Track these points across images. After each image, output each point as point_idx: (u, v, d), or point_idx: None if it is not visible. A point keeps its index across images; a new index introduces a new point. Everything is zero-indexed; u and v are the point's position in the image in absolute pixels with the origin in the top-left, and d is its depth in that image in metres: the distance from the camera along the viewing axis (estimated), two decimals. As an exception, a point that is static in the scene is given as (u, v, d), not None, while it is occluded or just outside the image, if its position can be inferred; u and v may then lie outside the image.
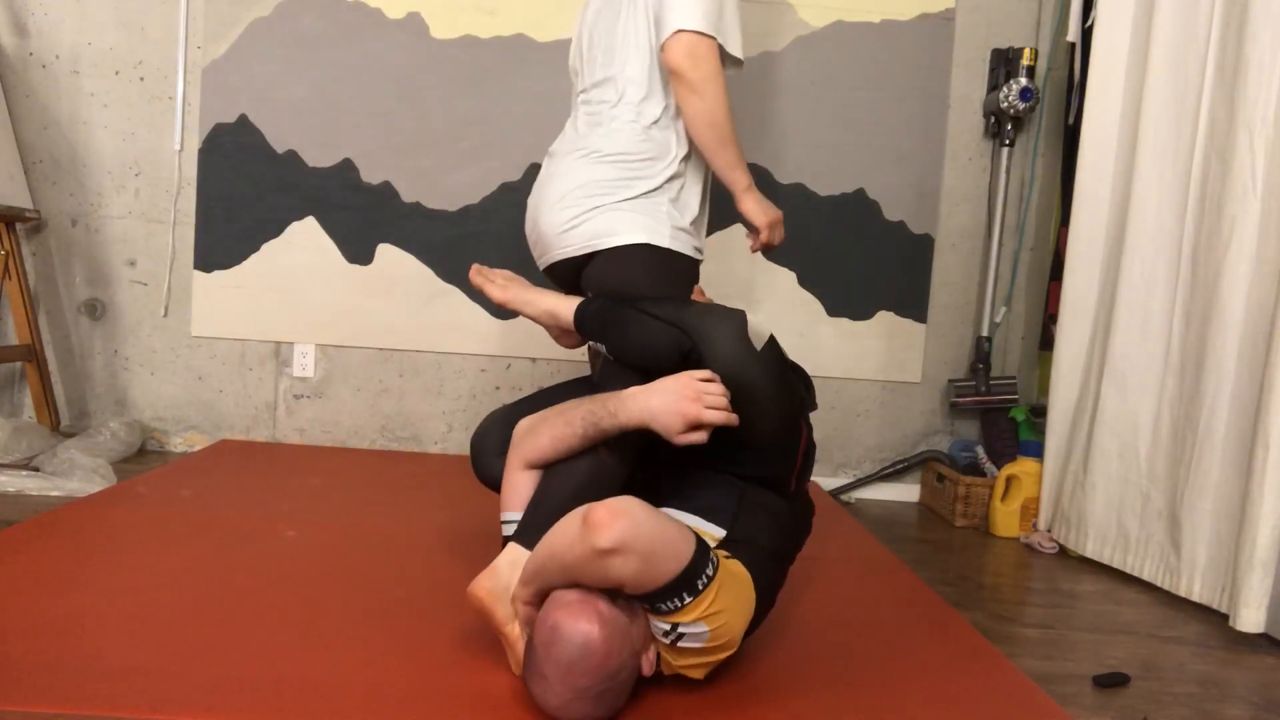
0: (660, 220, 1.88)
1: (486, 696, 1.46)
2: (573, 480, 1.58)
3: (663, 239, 1.87)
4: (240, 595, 1.81)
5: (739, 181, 1.98)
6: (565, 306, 1.84)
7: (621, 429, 1.54)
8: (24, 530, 2.12)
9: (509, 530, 1.61)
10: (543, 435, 1.60)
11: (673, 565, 1.29)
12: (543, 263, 2.04)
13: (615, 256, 1.87)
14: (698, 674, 1.47)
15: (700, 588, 1.32)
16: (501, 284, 1.91)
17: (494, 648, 1.61)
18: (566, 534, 1.32)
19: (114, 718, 1.31)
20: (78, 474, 2.59)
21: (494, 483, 1.81)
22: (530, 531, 1.54)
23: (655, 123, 1.91)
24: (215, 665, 1.49)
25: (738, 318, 1.58)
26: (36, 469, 2.67)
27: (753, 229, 2.12)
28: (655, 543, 1.28)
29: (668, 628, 1.36)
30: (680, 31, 1.78)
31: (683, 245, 1.91)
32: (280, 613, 1.74)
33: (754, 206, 2.05)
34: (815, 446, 1.78)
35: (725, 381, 1.51)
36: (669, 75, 1.85)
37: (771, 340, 1.61)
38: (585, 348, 2.03)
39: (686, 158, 1.94)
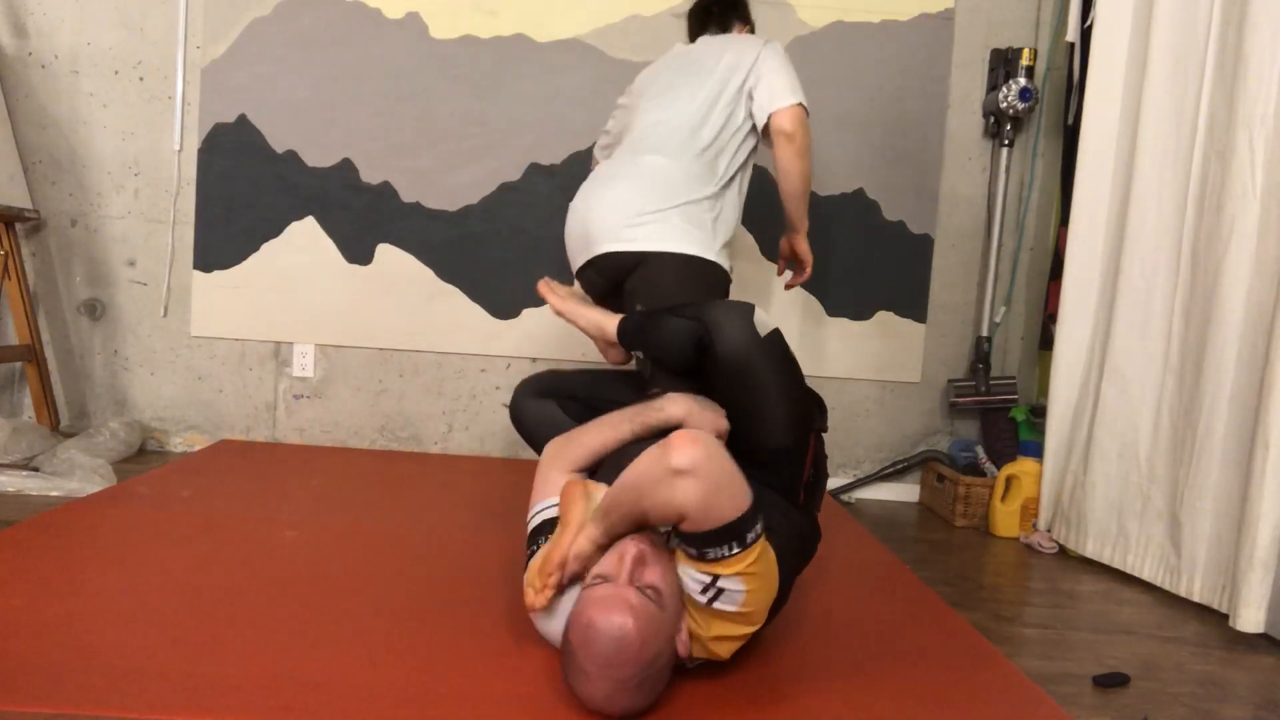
0: (708, 234, 2.15)
1: (486, 696, 1.46)
2: None
3: (711, 252, 2.14)
4: (240, 595, 1.81)
5: (805, 224, 2.46)
6: (610, 322, 1.98)
7: (666, 423, 1.72)
8: (23, 530, 2.12)
9: (536, 522, 1.67)
10: (590, 440, 1.78)
11: (731, 508, 1.35)
12: (586, 258, 2.19)
13: (668, 262, 2.09)
14: (725, 651, 1.49)
15: (749, 541, 1.37)
16: (563, 295, 2.07)
17: (494, 648, 1.62)
18: (646, 458, 1.40)
19: (113, 718, 1.31)
20: (77, 474, 2.59)
21: (519, 421, 2.10)
22: None
23: (706, 149, 2.21)
24: (214, 665, 1.49)
25: (745, 308, 1.72)
26: (36, 469, 2.67)
27: (795, 265, 2.58)
28: (723, 478, 1.35)
29: (708, 581, 1.39)
30: (799, 105, 2.21)
31: (723, 260, 2.19)
32: (280, 613, 1.74)
33: (807, 247, 2.52)
34: (826, 470, 1.84)
35: (732, 365, 1.64)
36: (779, 136, 2.21)
37: (776, 332, 1.71)
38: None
39: (726, 185, 2.24)
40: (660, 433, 1.69)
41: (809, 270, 2.56)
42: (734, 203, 2.29)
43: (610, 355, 2.11)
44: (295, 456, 3.10)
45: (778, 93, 2.23)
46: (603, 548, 1.48)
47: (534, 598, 1.51)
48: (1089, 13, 2.81)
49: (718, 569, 1.38)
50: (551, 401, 2.08)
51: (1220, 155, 2.23)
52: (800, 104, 2.22)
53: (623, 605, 1.32)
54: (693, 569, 1.40)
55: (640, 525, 1.46)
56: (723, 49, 2.33)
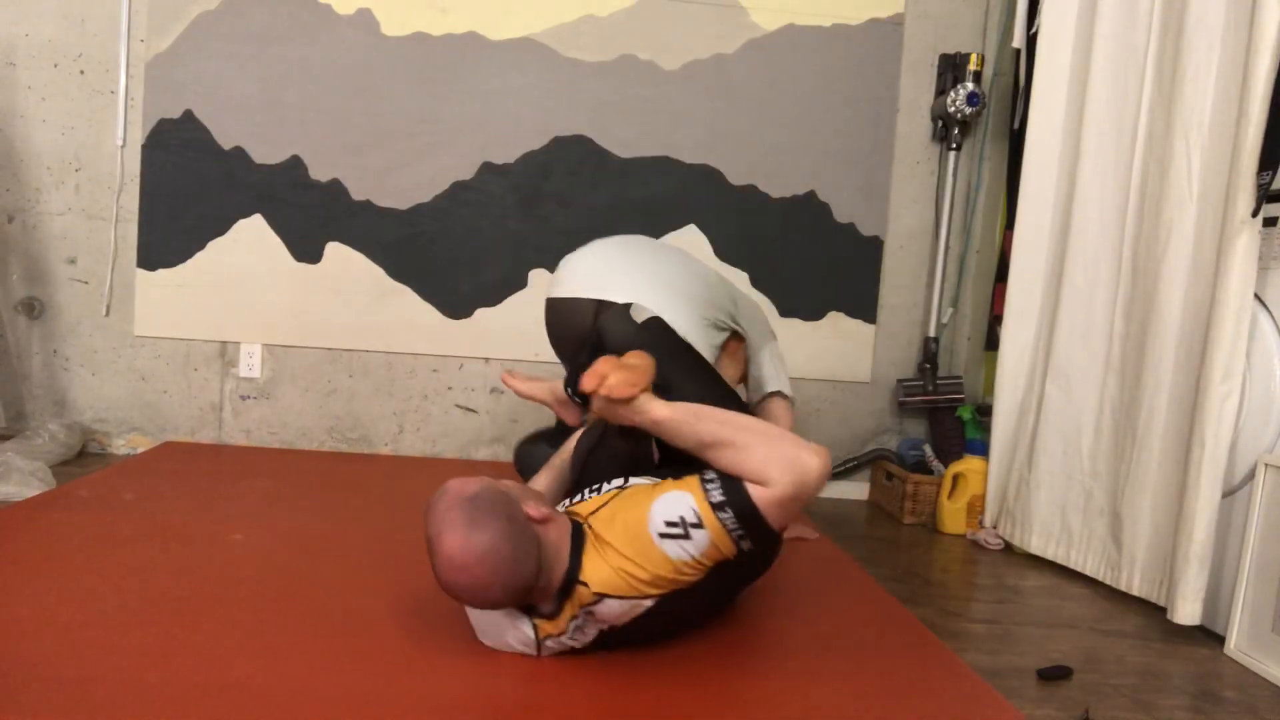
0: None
1: (437, 699, 1.45)
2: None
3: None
4: (186, 600, 1.78)
5: None
6: (557, 383, 2.23)
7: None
8: (-42, 535, 2.06)
9: None
10: (542, 478, 1.95)
11: (782, 518, 1.52)
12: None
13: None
14: (616, 581, 1.50)
15: (741, 545, 1.50)
16: (523, 379, 2.34)
17: (448, 651, 1.61)
18: (791, 440, 1.53)
19: (54, 727, 1.28)
20: (14, 477, 2.51)
21: (519, 468, 2.37)
22: None
23: (709, 314, 2.30)
24: (159, 672, 1.46)
25: (621, 306, 1.99)
26: (-29, 472, 2.59)
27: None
28: (806, 500, 1.52)
29: (692, 521, 1.47)
30: (790, 401, 2.50)
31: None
32: (227, 617, 1.71)
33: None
34: None
35: (622, 353, 1.80)
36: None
37: (655, 318, 1.96)
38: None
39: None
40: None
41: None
42: None
43: (566, 415, 2.29)
44: (242, 458, 3.05)
45: (784, 380, 2.50)
46: (651, 421, 1.61)
47: (619, 386, 1.60)
48: (1034, 20, 2.87)
49: (711, 524, 1.47)
50: (542, 443, 2.34)
51: (1159, 162, 2.30)
52: (792, 402, 2.51)
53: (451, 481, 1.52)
54: (694, 501, 1.48)
55: (713, 448, 1.53)
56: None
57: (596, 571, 1.49)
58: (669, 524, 1.47)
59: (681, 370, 1.87)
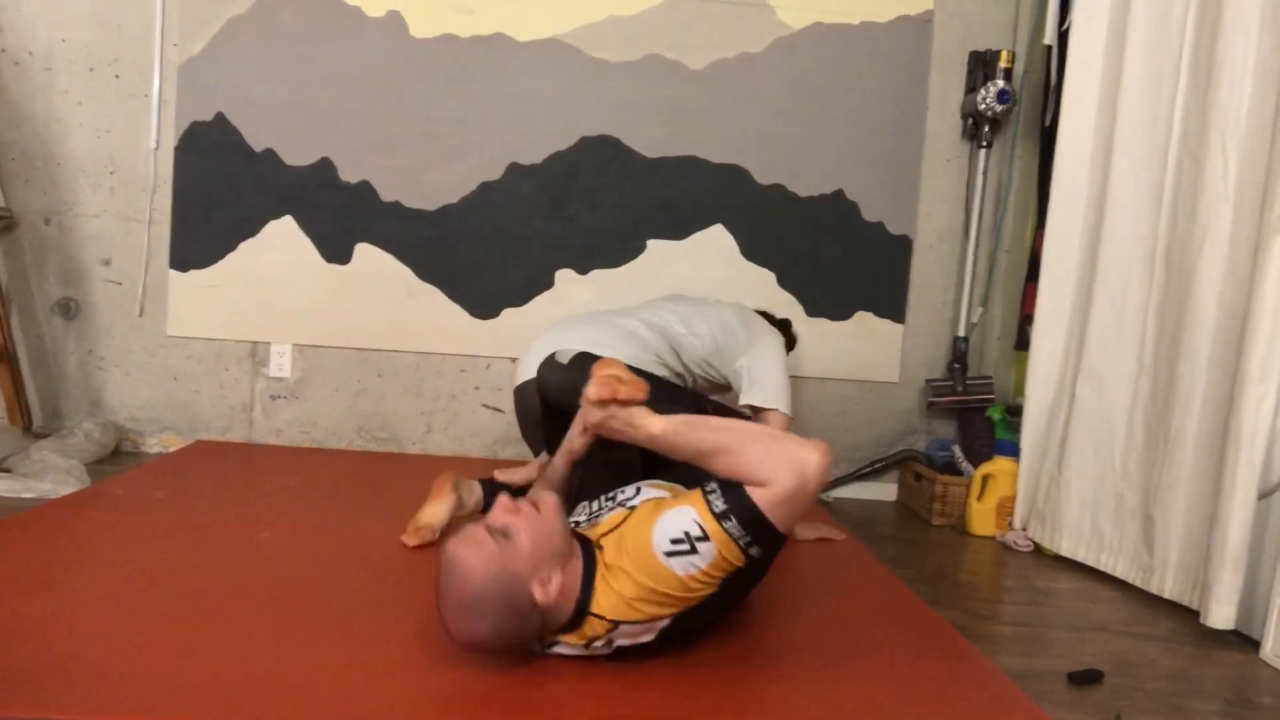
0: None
1: (463, 698, 1.46)
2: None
3: None
4: (215, 598, 1.80)
5: None
6: (535, 462, 2.56)
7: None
8: (-4, 532, 2.09)
9: None
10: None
11: (785, 519, 1.49)
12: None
13: None
14: (635, 606, 1.49)
15: (751, 553, 1.48)
16: (507, 473, 2.53)
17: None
18: (788, 438, 1.56)
19: (88, 721, 1.30)
20: (50, 475, 2.56)
21: None
22: None
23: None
24: (190, 668, 1.48)
25: (546, 360, 2.19)
26: (8, 470, 2.64)
27: None
28: (809, 501, 1.51)
29: (697, 534, 1.46)
30: (789, 418, 2.47)
31: None
32: (256, 615, 1.73)
33: None
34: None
35: (554, 399, 2.01)
36: None
37: (580, 354, 2.11)
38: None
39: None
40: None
41: None
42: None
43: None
44: (272, 457, 3.08)
45: (771, 392, 2.46)
46: (647, 436, 1.60)
47: (628, 391, 1.61)
48: (1066, 16, 2.83)
49: (717, 534, 1.45)
50: None
51: (1194, 158, 2.26)
52: (790, 417, 2.46)
53: (464, 539, 1.47)
54: (697, 514, 1.47)
55: (710, 456, 1.53)
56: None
57: (607, 599, 1.49)
58: (674, 541, 1.46)
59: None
